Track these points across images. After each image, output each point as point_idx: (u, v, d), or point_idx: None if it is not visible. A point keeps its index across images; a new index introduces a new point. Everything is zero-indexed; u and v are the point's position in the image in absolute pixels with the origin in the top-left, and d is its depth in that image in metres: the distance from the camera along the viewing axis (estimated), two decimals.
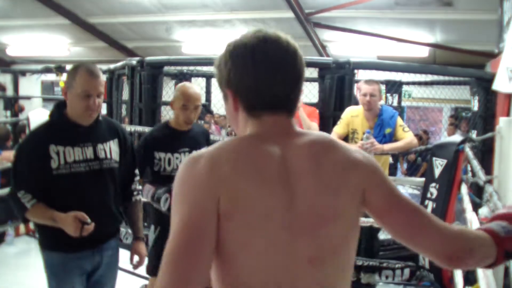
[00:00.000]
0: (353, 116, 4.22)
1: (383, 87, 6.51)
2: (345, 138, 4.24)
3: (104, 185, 2.46)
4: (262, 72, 1.18)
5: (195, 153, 1.18)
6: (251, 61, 1.18)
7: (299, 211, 1.13)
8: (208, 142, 3.34)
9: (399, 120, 4.22)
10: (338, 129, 4.20)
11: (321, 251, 1.14)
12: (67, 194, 2.33)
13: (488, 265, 1.23)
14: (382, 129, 4.15)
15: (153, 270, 3.21)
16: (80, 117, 2.36)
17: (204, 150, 1.18)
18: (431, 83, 7.01)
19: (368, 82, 4.18)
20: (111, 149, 2.49)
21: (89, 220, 2.24)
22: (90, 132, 2.42)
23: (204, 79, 8.87)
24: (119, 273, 2.72)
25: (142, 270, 2.97)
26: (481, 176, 2.85)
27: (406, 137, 4.13)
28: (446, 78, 6.10)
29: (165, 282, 1.02)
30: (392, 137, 4.16)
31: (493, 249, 1.21)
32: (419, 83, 7.46)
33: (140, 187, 2.77)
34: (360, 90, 4.25)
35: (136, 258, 2.68)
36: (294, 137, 1.21)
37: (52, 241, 2.39)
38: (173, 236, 1.07)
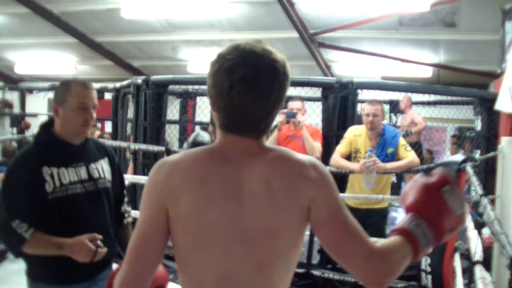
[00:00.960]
0: (356, 135, 4.25)
1: (386, 107, 6.57)
2: (348, 157, 4.26)
3: (102, 207, 2.31)
4: (235, 101, 1.24)
5: (164, 158, 1.35)
6: (227, 88, 1.23)
7: (248, 225, 1.25)
8: None
9: (401, 140, 4.25)
10: (341, 148, 4.22)
11: (267, 259, 1.27)
12: (65, 219, 2.17)
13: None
14: (384, 148, 4.18)
15: None
16: (75, 134, 2.24)
17: (170, 158, 1.33)
18: (434, 103, 7.04)
19: (371, 102, 4.23)
20: (103, 168, 2.36)
21: (101, 243, 2.10)
22: (82, 151, 2.30)
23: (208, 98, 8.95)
24: None
25: None
26: (478, 190, 2.87)
27: (408, 156, 4.15)
28: (450, 98, 6.13)
29: (124, 269, 1.27)
30: (394, 157, 4.19)
31: (409, 249, 1.27)
32: (422, 103, 7.49)
33: (129, 209, 2.59)
34: (363, 110, 4.30)
35: None
36: (255, 156, 1.30)
37: (43, 271, 2.17)
38: (134, 232, 1.30)
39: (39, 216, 2.11)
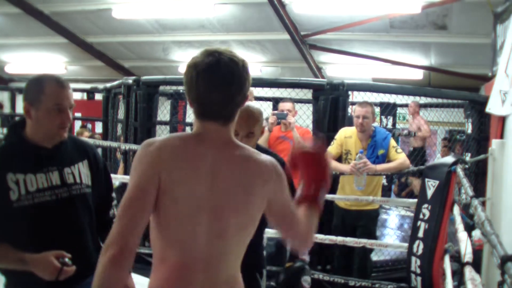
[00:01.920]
0: (346, 137, 4.25)
1: (377, 109, 6.57)
2: (339, 159, 4.26)
3: (76, 216, 2.09)
4: (201, 89, 1.51)
5: (151, 138, 1.58)
6: (195, 78, 1.51)
7: (217, 202, 1.52)
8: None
9: (392, 142, 4.25)
10: (332, 150, 4.21)
11: (228, 231, 1.54)
12: (31, 230, 1.96)
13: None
14: (375, 150, 4.17)
15: None
16: (49, 137, 2.03)
17: (157, 138, 1.58)
18: (425, 106, 7.07)
19: (361, 104, 4.22)
20: (81, 172, 2.13)
21: (69, 261, 1.90)
22: (55, 155, 2.06)
23: None
24: None
25: None
26: (469, 192, 2.86)
27: (399, 158, 4.15)
28: (440, 100, 6.15)
29: (117, 225, 1.43)
30: (385, 158, 4.19)
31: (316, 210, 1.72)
32: None
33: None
34: (354, 112, 4.30)
35: None
36: (227, 144, 1.58)
37: (17, 283, 2.00)
38: (126, 194, 1.47)
39: (3, 226, 1.92)
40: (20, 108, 11.04)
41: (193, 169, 1.51)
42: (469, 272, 2.22)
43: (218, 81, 1.49)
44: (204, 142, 1.54)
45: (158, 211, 1.51)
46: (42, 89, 1.97)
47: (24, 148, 2.01)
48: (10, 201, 1.90)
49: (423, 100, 6.79)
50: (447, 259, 3.41)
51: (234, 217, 1.54)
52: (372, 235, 4.20)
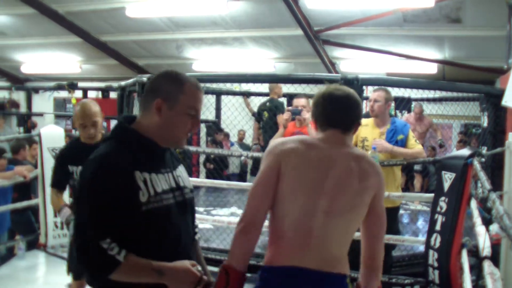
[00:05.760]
0: (362, 126, 4.25)
1: (392, 103, 6.55)
2: None
3: (189, 221, 1.95)
4: (328, 108, 2.03)
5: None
6: (322, 102, 2.05)
7: (326, 185, 1.91)
8: None
9: (411, 132, 4.29)
10: None
11: (335, 209, 1.90)
12: (159, 236, 1.76)
13: None
14: (395, 135, 4.20)
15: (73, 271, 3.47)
16: (172, 139, 1.85)
17: (287, 137, 2.13)
18: (440, 100, 7.02)
19: (375, 89, 4.35)
20: (183, 176, 1.97)
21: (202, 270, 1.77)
22: (166, 155, 1.90)
23: (214, 96, 8.95)
24: None
25: None
26: (486, 185, 2.85)
27: (417, 147, 4.18)
28: (455, 94, 6.11)
29: (246, 204, 1.95)
30: (404, 144, 4.20)
31: None
32: (428, 100, 7.47)
33: (197, 223, 2.19)
34: None
35: None
36: (343, 146, 2.01)
37: None
38: (255, 180, 1.97)
39: (131, 232, 1.69)
40: (35, 107, 11.22)
41: (311, 160, 1.93)
42: (488, 266, 2.22)
43: (339, 104, 2.04)
44: (324, 143, 2.00)
45: (277, 193, 1.92)
46: (182, 88, 1.80)
47: (143, 146, 1.81)
48: (139, 203, 1.70)
49: (437, 94, 6.73)
50: (464, 253, 3.40)
51: (344, 200, 1.91)
52: (394, 234, 4.16)
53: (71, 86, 8.92)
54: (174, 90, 1.78)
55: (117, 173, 1.68)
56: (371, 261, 2.04)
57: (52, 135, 5.62)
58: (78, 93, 9.48)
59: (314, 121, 2.09)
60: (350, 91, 2.06)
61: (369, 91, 5.46)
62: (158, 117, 1.78)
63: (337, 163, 1.93)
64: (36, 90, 11.32)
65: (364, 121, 4.30)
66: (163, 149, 1.86)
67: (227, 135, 9.71)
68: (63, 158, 3.43)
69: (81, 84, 9.26)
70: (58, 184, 3.44)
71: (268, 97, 6.77)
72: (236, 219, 5.54)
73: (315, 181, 1.91)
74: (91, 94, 9.61)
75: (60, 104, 13.60)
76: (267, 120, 6.42)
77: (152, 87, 1.82)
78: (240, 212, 6.59)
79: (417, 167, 7.86)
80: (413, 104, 7.86)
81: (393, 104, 6.82)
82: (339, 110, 2.02)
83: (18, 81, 13.15)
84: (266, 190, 1.92)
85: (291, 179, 1.91)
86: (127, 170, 1.70)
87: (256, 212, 1.91)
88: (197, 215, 2.25)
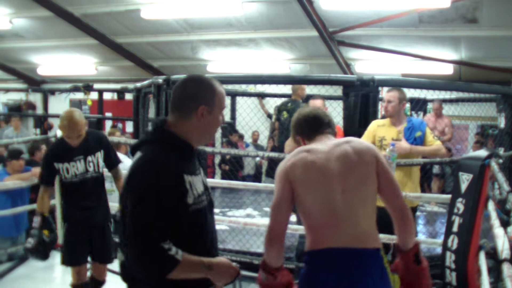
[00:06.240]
0: (379, 126, 4.27)
1: (408, 105, 6.51)
2: None
3: (214, 221, 2.06)
4: (307, 121, 2.46)
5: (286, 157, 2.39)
6: (300, 120, 2.49)
7: (335, 168, 2.21)
8: (103, 145, 3.79)
9: (428, 129, 4.26)
10: (363, 139, 4.22)
11: (347, 187, 2.19)
12: (200, 235, 1.89)
13: None
14: (412, 132, 4.17)
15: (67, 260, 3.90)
16: (205, 139, 1.97)
17: (287, 156, 2.37)
18: (456, 100, 6.97)
19: (388, 90, 4.32)
20: (205, 178, 2.04)
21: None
22: (196, 158, 1.99)
23: (229, 97, 8.96)
24: None
25: None
26: (505, 187, 2.82)
27: (436, 143, 4.16)
28: (472, 95, 6.06)
29: (270, 221, 2.21)
30: (422, 142, 4.17)
31: None
32: (444, 100, 7.42)
33: None
34: None
35: None
36: (332, 140, 2.37)
37: None
38: (273, 199, 2.24)
39: (183, 232, 1.81)
40: (51, 109, 11.33)
41: (308, 168, 2.21)
42: (507, 269, 2.20)
43: (316, 117, 2.47)
44: (316, 148, 2.31)
45: (296, 196, 2.22)
46: (214, 91, 1.89)
47: (183, 149, 1.88)
48: (187, 205, 1.80)
49: (454, 94, 6.69)
50: (482, 255, 3.37)
51: (354, 175, 2.20)
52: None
53: (87, 87, 8.99)
54: (210, 94, 1.87)
55: (171, 176, 1.76)
56: (400, 213, 2.25)
57: None
58: (94, 95, 9.56)
59: (301, 138, 2.47)
60: (314, 107, 2.70)
61: (384, 92, 5.44)
62: (198, 121, 1.86)
63: (334, 150, 2.26)
64: (52, 92, 11.45)
65: (380, 121, 4.30)
66: (196, 151, 1.96)
67: (241, 137, 9.72)
68: (50, 156, 3.68)
69: (96, 85, 9.32)
70: (47, 181, 3.70)
71: (289, 98, 6.74)
72: (252, 221, 5.55)
73: (324, 170, 2.21)
74: (107, 95, 9.67)
75: (76, 106, 13.63)
76: (284, 121, 6.41)
77: (190, 94, 1.87)
78: (256, 213, 6.64)
79: (435, 170, 7.78)
80: (429, 105, 7.81)
81: (408, 105, 6.79)
82: (314, 119, 2.45)
83: (34, 83, 13.28)
84: (285, 203, 2.22)
85: (303, 179, 2.21)
86: (178, 173, 1.79)
87: (276, 223, 2.20)
88: None
